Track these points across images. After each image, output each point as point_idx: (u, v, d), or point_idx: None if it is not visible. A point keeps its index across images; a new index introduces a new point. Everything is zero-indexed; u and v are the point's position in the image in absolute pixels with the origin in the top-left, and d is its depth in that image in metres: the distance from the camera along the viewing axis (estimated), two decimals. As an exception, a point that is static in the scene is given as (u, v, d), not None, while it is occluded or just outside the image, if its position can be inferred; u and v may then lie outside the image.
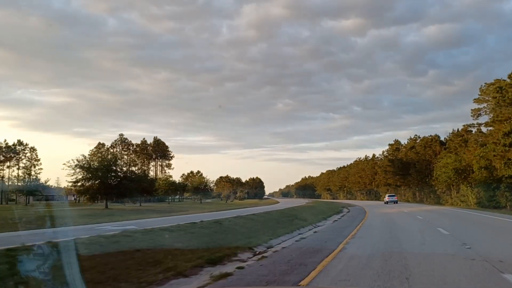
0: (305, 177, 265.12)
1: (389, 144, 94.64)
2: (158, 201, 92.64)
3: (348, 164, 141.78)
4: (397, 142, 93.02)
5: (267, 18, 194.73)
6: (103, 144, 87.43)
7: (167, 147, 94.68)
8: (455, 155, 55.32)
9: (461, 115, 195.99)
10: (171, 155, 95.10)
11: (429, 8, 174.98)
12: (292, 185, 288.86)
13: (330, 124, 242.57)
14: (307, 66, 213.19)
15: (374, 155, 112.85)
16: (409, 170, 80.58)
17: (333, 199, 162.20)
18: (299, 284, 7.23)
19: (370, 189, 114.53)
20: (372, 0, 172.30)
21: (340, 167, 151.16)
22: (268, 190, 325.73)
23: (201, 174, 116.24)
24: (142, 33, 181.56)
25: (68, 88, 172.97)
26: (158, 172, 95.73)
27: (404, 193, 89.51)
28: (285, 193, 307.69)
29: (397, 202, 66.34)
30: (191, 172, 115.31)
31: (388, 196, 70.49)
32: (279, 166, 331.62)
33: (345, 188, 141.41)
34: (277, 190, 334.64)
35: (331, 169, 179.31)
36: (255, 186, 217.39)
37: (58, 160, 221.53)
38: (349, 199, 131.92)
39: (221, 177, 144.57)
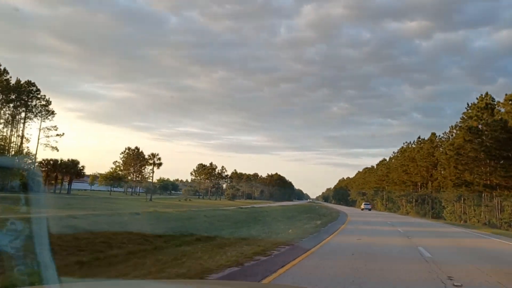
0: (343, 178, 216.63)
1: (470, 105, 44.63)
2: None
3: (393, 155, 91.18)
4: (487, 96, 42.93)
5: (327, 18, 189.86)
6: None
7: (32, 87, 50.54)
8: None
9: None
10: (41, 104, 50.95)
11: (503, 11, 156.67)
12: (332, 189, 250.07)
13: (387, 131, 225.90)
14: (366, 69, 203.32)
15: (433, 134, 62.71)
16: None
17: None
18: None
19: (423, 195, 64.54)
20: (441, 1, 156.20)
21: (381, 161, 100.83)
22: (315, 193, 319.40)
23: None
24: (202, 31, 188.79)
25: (130, 83, 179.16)
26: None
27: (504, 204, 39.51)
28: (325, 197, 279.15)
29: (370, 210, 72.90)
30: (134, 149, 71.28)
31: (364, 204, 79.48)
32: (330, 170, 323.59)
33: (383, 192, 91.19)
34: (320, 194, 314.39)
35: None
36: (273, 185, 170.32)
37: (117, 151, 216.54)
38: (391, 210, 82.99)
39: (201, 165, 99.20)
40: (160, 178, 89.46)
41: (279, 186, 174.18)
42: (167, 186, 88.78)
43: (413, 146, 70.56)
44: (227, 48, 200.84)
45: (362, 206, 78.18)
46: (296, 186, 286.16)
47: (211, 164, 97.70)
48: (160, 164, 63.35)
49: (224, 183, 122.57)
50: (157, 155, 66.88)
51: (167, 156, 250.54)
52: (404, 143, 75.65)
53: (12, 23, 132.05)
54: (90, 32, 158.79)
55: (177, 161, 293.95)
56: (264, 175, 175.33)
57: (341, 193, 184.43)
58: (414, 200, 70.90)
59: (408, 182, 66.93)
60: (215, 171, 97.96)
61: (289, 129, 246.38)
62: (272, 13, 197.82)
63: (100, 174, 68.52)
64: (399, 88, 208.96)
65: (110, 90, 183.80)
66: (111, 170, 68.34)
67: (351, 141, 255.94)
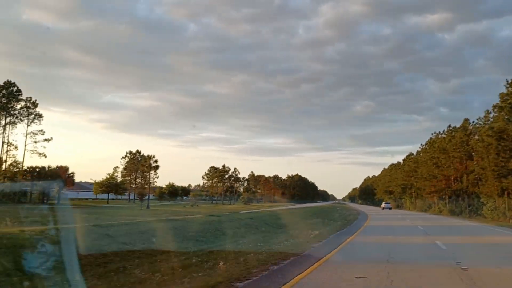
0: (368, 177, 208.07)
1: (510, 81, 37.01)
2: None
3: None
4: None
5: (346, 16, 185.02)
6: None
7: (12, 87, 44.85)
8: None
9: None
10: (27, 106, 45.90)
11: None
12: (357, 189, 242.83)
13: (413, 127, 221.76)
14: (388, 65, 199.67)
15: (466, 121, 54.63)
16: None
17: (397, 206, 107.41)
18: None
19: (458, 190, 56.49)
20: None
21: (408, 155, 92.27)
22: (342, 194, 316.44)
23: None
24: (220, 36, 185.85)
25: (153, 92, 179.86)
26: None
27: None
28: (352, 197, 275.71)
29: (391, 208, 78.58)
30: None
31: (384, 203, 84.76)
32: (356, 170, 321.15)
33: (412, 189, 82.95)
34: (346, 194, 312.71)
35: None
36: (293, 186, 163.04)
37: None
38: (421, 209, 75.35)
39: (213, 168, 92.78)
40: (169, 183, 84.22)
41: (300, 187, 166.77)
42: (176, 192, 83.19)
43: (443, 136, 62.47)
44: (246, 52, 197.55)
45: (383, 205, 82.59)
46: (321, 187, 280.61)
47: (223, 166, 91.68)
48: (156, 167, 58.02)
49: (241, 187, 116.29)
50: (153, 157, 61.36)
51: (191, 162, 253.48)
52: (432, 134, 67.54)
53: (36, 39, 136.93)
54: (111, 44, 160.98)
55: (201, 167, 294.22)
56: (286, 177, 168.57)
57: (367, 192, 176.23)
58: (447, 196, 62.77)
59: (440, 176, 58.88)
60: (227, 173, 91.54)
61: (312, 129, 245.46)
62: (290, 14, 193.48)
63: (95, 181, 62.86)
64: (424, 83, 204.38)
65: (133, 100, 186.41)
66: (108, 177, 62.93)
67: (376, 139, 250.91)
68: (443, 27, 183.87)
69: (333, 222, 23.69)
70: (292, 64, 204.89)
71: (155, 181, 68.19)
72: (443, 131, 61.57)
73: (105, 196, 68.26)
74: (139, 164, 64.40)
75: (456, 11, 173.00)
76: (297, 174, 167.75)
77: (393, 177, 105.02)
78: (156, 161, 64.03)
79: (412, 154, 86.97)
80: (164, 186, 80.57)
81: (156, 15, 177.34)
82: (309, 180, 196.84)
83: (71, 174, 51.56)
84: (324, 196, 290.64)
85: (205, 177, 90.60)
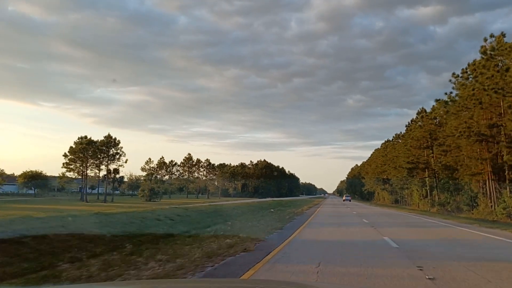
0: (357, 165, 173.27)
1: None
2: None
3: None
4: None
5: (339, 8, 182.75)
6: None
7: None
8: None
9: None
10: None
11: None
12: (344, 181, 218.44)
13: (404, 121, 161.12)
14: (381, 59, 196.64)
15: None
16: None
17: (396, 202, 73.69)
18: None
19: None
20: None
21: (418, 112, 54.23)
22: (332, 188, 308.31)
23: None
24: (212, 30, 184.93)
25: (144, 86, 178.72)
26: None
27: None
28: (340, 190, 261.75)
29: (350, 201, 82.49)
30: None
31: (345, 196, 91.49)
32: (348, 164, 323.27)
33: (426, 171, 46.31)
34: (335, 188, 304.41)
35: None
36: (257, 176, 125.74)
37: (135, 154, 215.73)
38: (443, 206, 39.09)
39: (83, 138, 53.70)
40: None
41: (268, 177, 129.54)
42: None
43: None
44: (239, 46, 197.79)
45: (344, 198, 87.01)
46: (308, 180, 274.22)
47: (107, 137, 52.63)
48: None
49: (167, 175, 78.74)
50: None
51: (181, 158, 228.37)
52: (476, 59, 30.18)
53: (24, 33, 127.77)
54: (100, 37, 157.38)
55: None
56: (249, 164, 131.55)
57: (355, 183, 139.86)
58: (507, 186, 25.96)
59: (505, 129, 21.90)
60: (97, 148, 51.88)
61: (305, 124, 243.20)
62: (282, 7, 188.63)
63: None
64: (416, 77, 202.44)
65: (124, 94, 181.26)
66: None
67: (368, 133, 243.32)
68: (436, 19, 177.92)
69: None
70: (285, 58, 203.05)
71: None
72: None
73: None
74: None
75: (449, 3, 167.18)
76: (264, 161, 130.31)
77: (390, 156, 68.40)
78: None
79: (425, 112, 49.94)
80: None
81: (146, 7, 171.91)
82: (286, 170, 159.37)
83: None
84: (310, 189, 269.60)
85: (69, 154, 52.13)
